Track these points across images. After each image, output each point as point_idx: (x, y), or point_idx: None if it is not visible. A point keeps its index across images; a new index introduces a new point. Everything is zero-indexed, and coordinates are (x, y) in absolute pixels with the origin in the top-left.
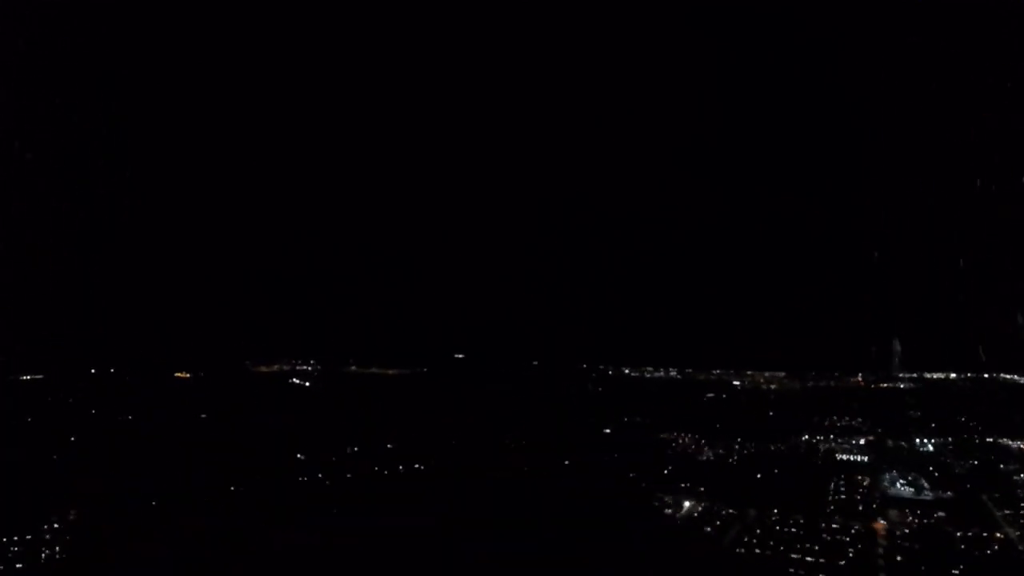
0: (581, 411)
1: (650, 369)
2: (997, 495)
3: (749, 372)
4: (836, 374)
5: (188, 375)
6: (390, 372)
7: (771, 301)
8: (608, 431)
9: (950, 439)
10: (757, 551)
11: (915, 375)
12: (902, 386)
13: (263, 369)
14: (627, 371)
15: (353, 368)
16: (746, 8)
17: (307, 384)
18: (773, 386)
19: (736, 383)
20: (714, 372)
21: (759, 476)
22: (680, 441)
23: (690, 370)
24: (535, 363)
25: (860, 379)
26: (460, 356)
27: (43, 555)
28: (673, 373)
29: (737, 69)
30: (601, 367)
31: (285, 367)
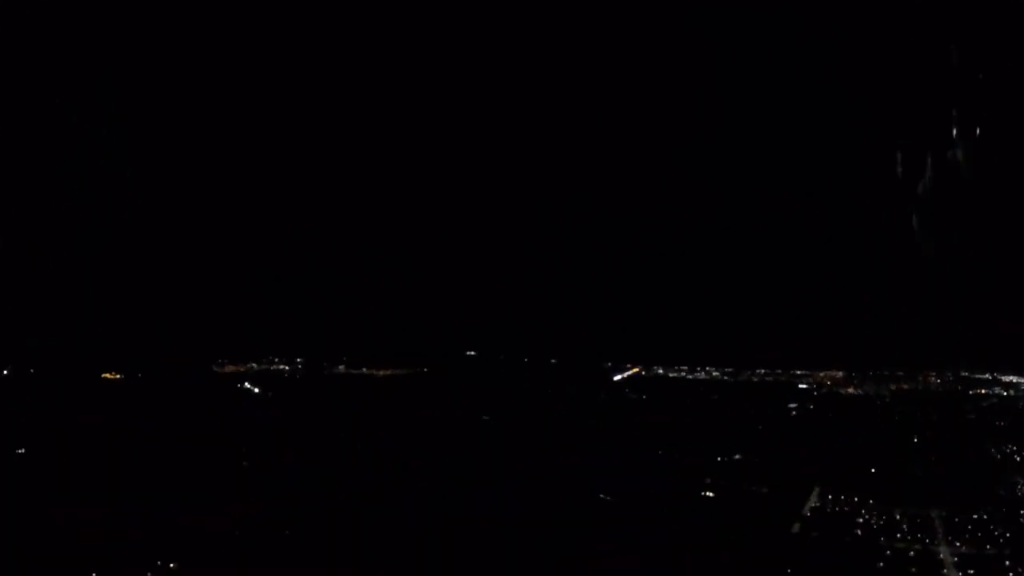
0: (641, 437)
1: (685, 368)
2: None
3: (799, 371)
4: (899, 373)
5: (119, 376)
6: (380, 374)
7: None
8: (712, 494)
9: None
10: None
11: (989, 375)
12: (999, 391)
13: (229, 369)
14: (661, 371)
15: (341, 368)
16: (746, 8)
17: (256, 391)
18: (851, 389)
19: (803, 386)
20: (759, 372)
21: None
22: (868, 517)
23: (730, 369)
24: (553, 361)
25: (937, 379)
26: (472, 354)
27: None
28: (716, 374)
29: (737, 69)
30: (629, 366)
31: (258, 365)
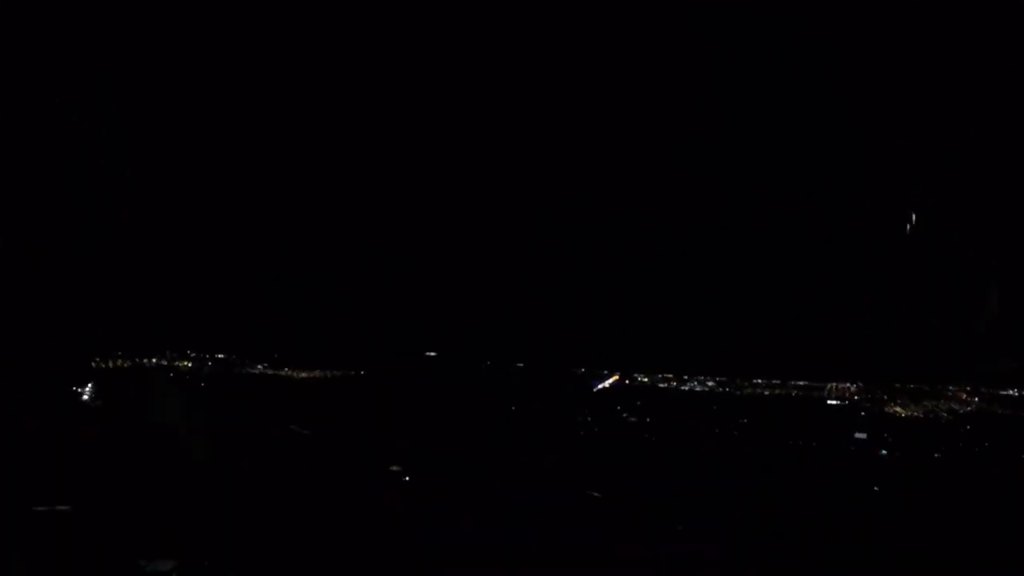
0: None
1: (668, 376)
2: None
3: (801, 382)
4: (910, 385)
5: None
6: (305, 375)
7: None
8: None
9: None
10: None
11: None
12: None
13: (122, 364)
14: (646, 379)
15: (260, 368)
16: (746, 8)
17: (86, 397)
18: (898, 409)
19: (832, 402)
20: (756, 381)
21: None
22: None
23: (721, 378)
24: (520, 365)
25: (968, 392)
26: (432, 355)
27: None
28: (711, 384)
29: (737, 69)
30: (606, 372)
31: (158, 360)
